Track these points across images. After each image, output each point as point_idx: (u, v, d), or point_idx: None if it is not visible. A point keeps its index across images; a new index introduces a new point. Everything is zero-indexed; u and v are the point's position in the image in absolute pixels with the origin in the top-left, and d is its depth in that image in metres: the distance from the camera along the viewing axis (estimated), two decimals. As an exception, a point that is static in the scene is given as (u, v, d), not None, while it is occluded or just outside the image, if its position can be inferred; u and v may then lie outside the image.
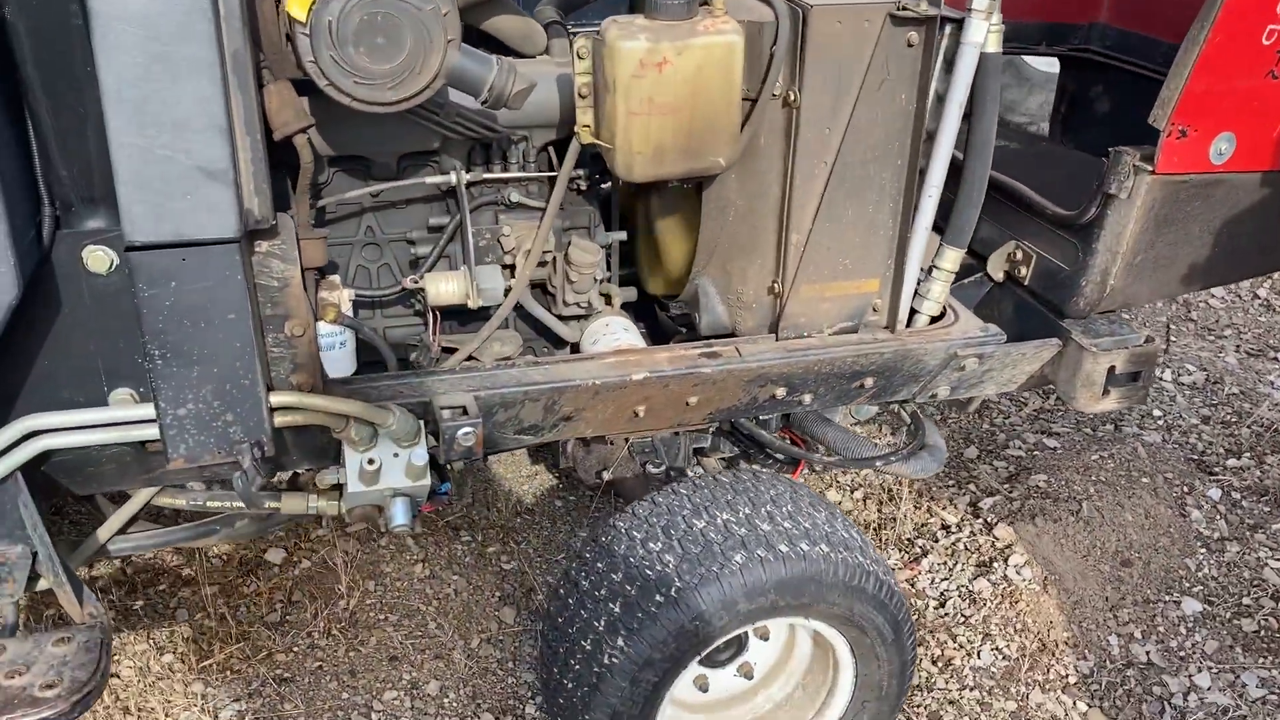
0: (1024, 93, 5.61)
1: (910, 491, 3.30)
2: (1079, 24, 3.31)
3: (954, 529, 3.21)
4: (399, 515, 2.08)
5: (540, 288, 2.45)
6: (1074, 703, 2.73)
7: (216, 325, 1.76)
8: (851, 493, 3.35)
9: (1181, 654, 2.87)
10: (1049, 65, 4.48)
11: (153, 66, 1.56)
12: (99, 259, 1.77)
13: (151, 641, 2.75)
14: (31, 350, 1.82)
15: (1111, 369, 2.42)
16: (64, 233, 1.75)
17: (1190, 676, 2.81)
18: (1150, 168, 2.22)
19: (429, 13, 1.73)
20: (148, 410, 1.88)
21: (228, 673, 2.68)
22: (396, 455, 2.05)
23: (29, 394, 1.86)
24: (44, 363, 1.84)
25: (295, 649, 2.76)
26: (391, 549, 3.09)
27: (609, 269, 2.50)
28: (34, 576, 1.99)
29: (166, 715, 2.56)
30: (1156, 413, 3.78)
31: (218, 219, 1.68)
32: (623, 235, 2.47)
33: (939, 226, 2.37)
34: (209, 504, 2.26)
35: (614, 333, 2.40)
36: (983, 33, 2.14)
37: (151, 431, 1.88)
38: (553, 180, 2.31)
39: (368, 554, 3.06)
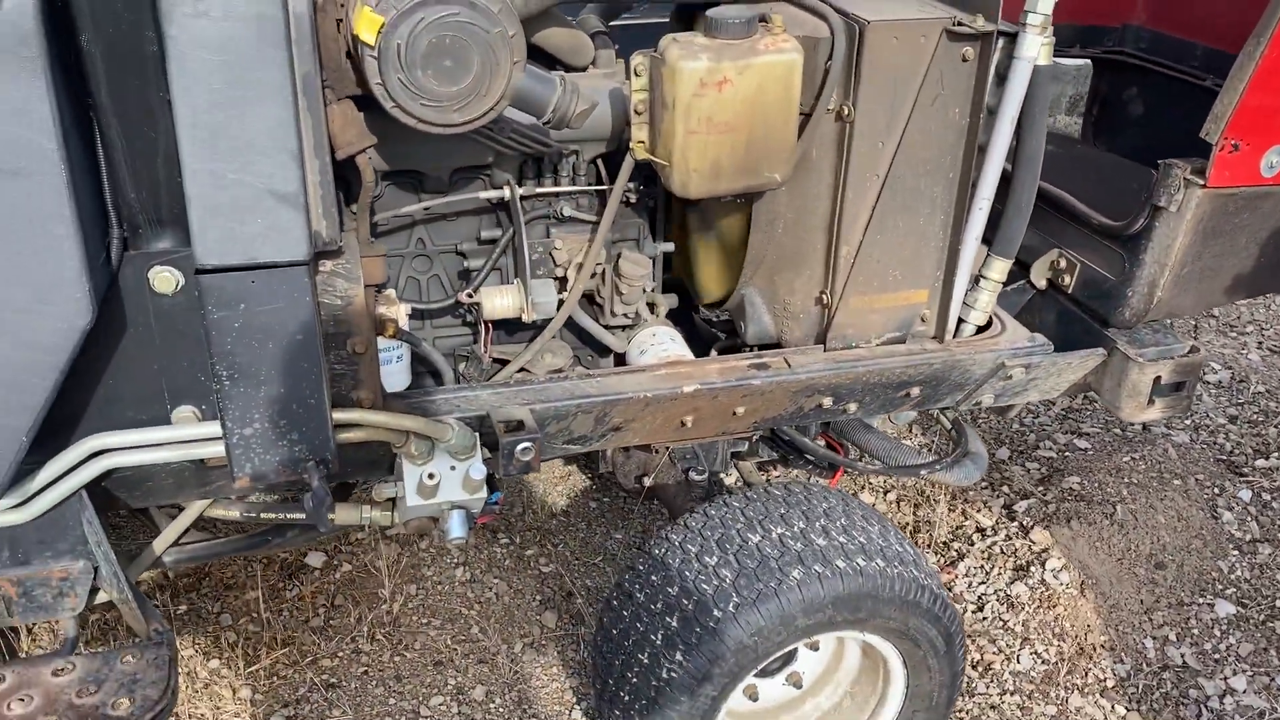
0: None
1: (945, 495, 3.31)
2: (1112, 26, 3.31)
3: (989, 532, 3.23)
4: (455, 528, 2.10)
5: (587, 298, 2.46)
6: (1112, 706, 2.75)
7: (284, 346, 1.77)
8: (885, 495, 3.37)
9: (1216, 656, 2.90)
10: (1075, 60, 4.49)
11: (227, 92, 1.57)
12: (165, 280, 1.78)
13: (197, 647, 2.78)
14: (97, 370, 1.83)
15: (1157, 379, 2.43)
16: (131, 254, 1.76)
17: (1226, 679, 2.84)
18: (1201, 181, 2.22)
19: (496, 35, 1.73)
20: (211, 428, 1.89)
21: (274, 678, 2.71)
22: (453, 468, 2.06)
23: (93, 412, 1.88)
24: (109, 382, 1.86)
25: (340, 654, 2.79)
26: (432, 552, 3.11)
27: (655, 279, 2.51)
28: (94, 590, 2.02)
29: (216, 721, 2.59)
30: (1184, 412, 3.79)
31: (288, 242, 1.69)
32: (670, 246, 2.47)
33: (986, 236, 2.38)
34: (262, 516, 2.28)
35: (661, 343, 2.41)
36: (1036, 47, 2.14)
37: (214, 449, 1.90)
38: (602, 194, 2.32)
39: (409, 557, 3.08)
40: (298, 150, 1.64)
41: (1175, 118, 3.10)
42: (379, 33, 1.69)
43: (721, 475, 2.89)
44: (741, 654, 2.00)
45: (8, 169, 1.52)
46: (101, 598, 2.03)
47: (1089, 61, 3.39)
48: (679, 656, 2.01)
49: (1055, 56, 3.44)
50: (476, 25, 1.71)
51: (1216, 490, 3.40)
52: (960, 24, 2.04)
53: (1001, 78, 2.20)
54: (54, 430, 1.81)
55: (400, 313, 2.13)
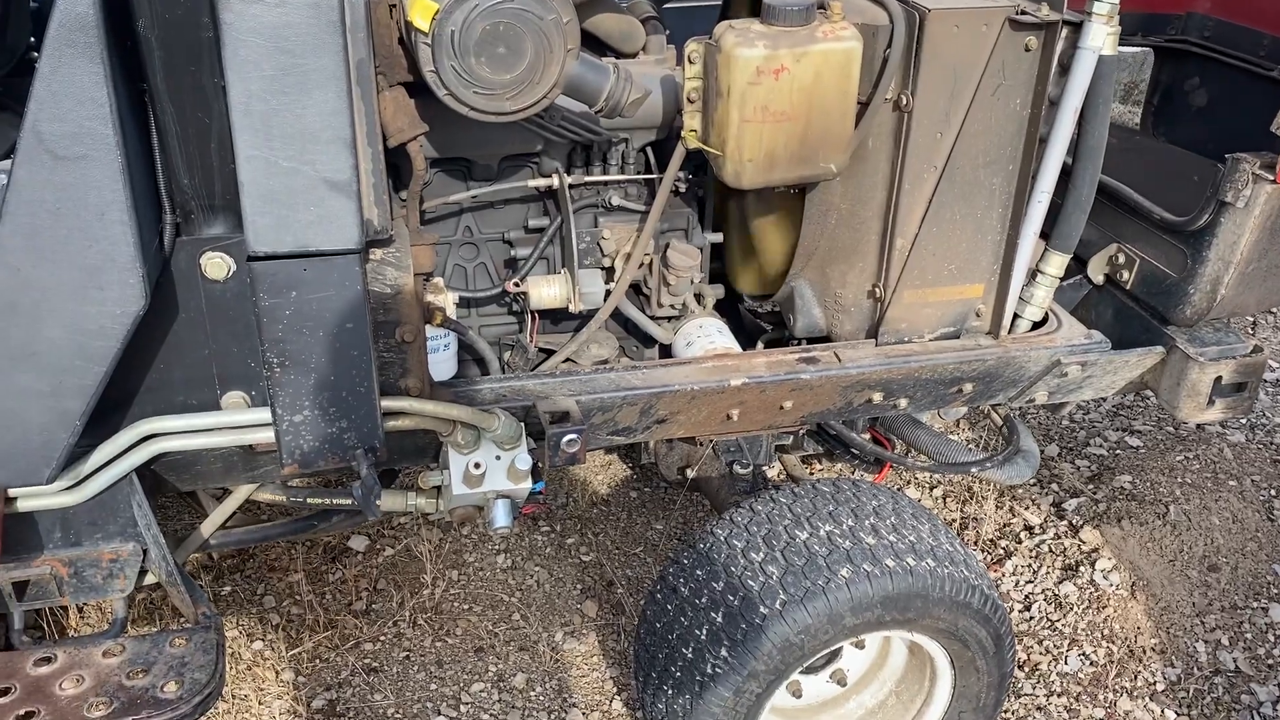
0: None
1: (992, 491, 3.26)
2: (1176, 14, 3.22)
3: (1037, 530, 3.18)
4: (500, 517, 2.09)
5: (634, 288, 2.43)
6: (1162, 710, 2.70)
7: (334, 333, 1.77)
8: (931, 490, 3.32)
9: (1270, 662, 2.83)
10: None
11: (282, 79, 1.56)
12: (217, 266, 1.78)
13: (241, 628, 2.80)
14: (148, 354, 1.84)
15: (1218, 379, 2.37)
16: (183, 240, 1.76)
17: (1279, 685, 2.77)
18: (1271, 177, 2.15)
19: (550, 22, 1.71)
20: (260, 414, 1.89)
21: (317, 661, 2.72)
22: (499, 458, 2.06)
23: (144, 397, 1.89)
24: (160, 366, 1.87)
25: (382, 638, 2.80)
26: (473, 538, 3.11)
27: (703, 270, 2.48)
28: (142, 572, 2.04)
29: (260, 703, 2.61)
30: (1240, 411, 3.70)
31: (340, 230, 1.68)
32: (719, 237, 2.44)
33: (1044, 230, 2.32)
34: (308, 501, 2.29)
35: (708, 335, 2.38)
36: (1102, 37, 2.08)
37: (264, 435, 1.90)
38: (651, 183, 2.29)
39: (450, 543, 3.09)
40: (351, 138, 1.63)
41: (1240, 109, 3.01)
42: (433, 19, 1.67)
43: (765, 468, 2.86)
44: (787, 651, 1.98)
45: (64, 154, 1.52)
46: (149, 580, 2.05)
47: (1149, 50, 3.30)
48: (723, 652, 1.99)
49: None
50: (530, 12, 1.69)
51: (1273, 492, 3.32)
52: (1024, 12, 1.99)
53: (1064, 68, 2.14)
54: (106, 414, 1.83)
55: (448, 301, 2.12)
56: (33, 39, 2.35)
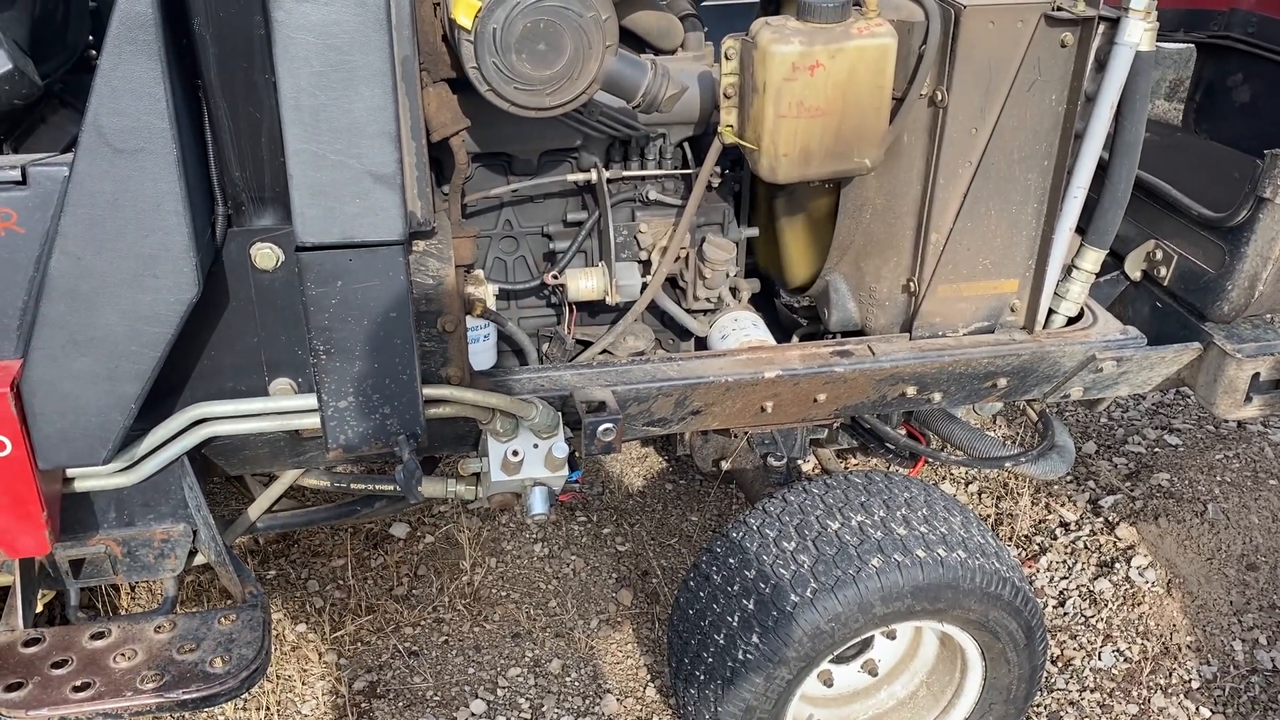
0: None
1: (1028, 487, 3.26)
2: (1219, 10, 3.19)
3: (1073, 527, 3.18)
4: (537, 504, 2.14)
5: (670, 281, 2.47)
6: (1197, 708, 2.69)
7: (379, 322, 1.82)
8: (966, 486, 3.33)
9: (1308, 663, 2.82)
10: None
11: (330, 75, 1.61)
12: (266, 256, 1.84)
13: (285, 611, 2.87)
14: (200, 341, 1.90)
15: (1255, 375, 2.36)
16: (234, 230, 1.82)
17: (1318, 686, 2.75)
18: (1311, 172, 2.15)
19: (589, 19, 1.75)
20: (307, 400, 1.95)
21: (359, 644, 2.79)
22: (536, 446, 2.10)
23: (195, 383, 1.95)
24: (211, 353, 1.93)
25: (422, 622, 2.86)
26: (511, 527, 3.16)
27: (738, 264, 2.51)
28: (192, 552, 2.11)
29: (303, 684, 2.68)
30: (1283, 410, 3.67)
31: (385, 222, 1.73)
32: (754, 232, 2.47)
33: (1080, 225, 2.33)
34: (352, 486, 2.35)
35: (743, 328, 2.41)
36: (1139, 33, 2.08)
37: (310, 420, 1.96)
38: (688, 177, 2.33)
39: (489, 531, 3.14)
40: (396, 132, 1.68)
41: (1284, 105, 2.99)
42: (476, 16, 1.72)
43: (800, 462, 2.88)
44: (817, 639, 2.01)
45: (123, 147, 1.59)
46: (199, 560, 2.12)
47: (1191, 46, 3.28)
48: (755, 639, 2.02)
49: (1157, 41, 3.36)
50: (570, 10, 1.73)
51: (1315, 492, 3.28)
52: (1060, 8, 2.00)
53: (1101, 63, 2.14)
54: (160, 399, 1.90)
55: (488, 293, 2.17)
56: (91, 37, 2.43)
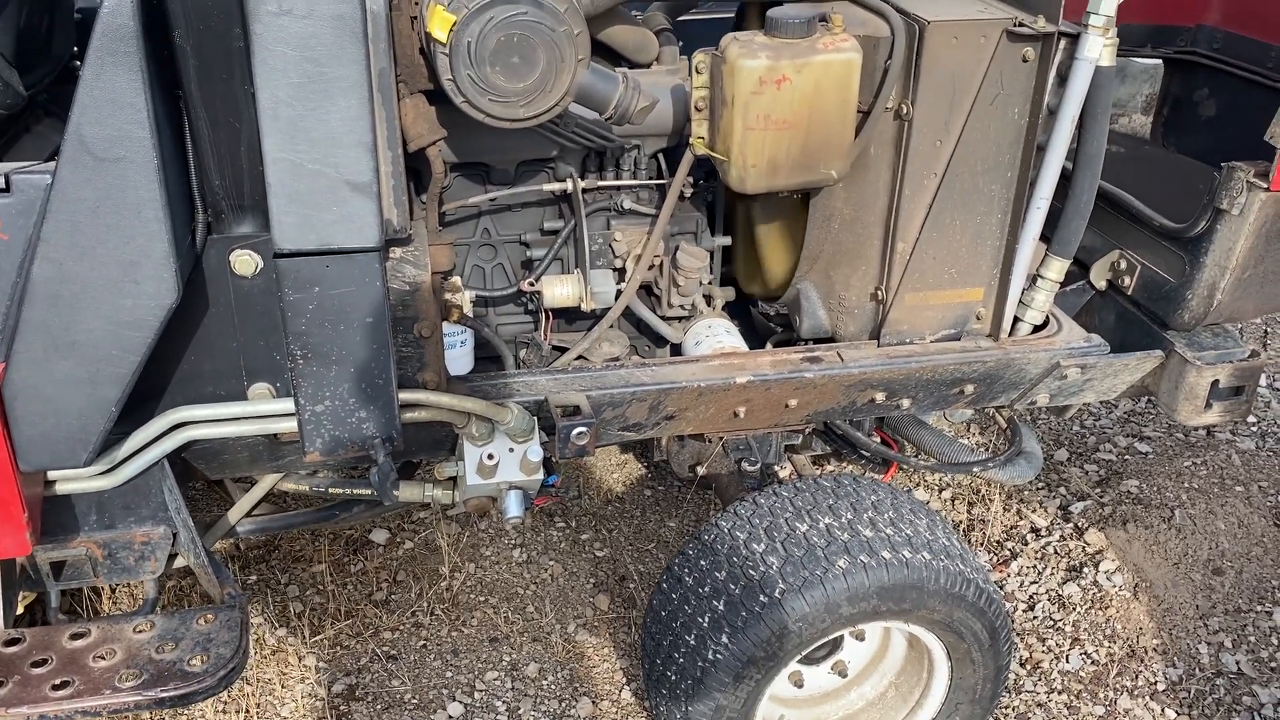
0: (1114, 81, 5.54)
1: (1000, 493, 3.32)
2: (1185, 26, 3.27)
3: (1044, 532, 3.23)
4: (513, 507, 2.18)
5: (645, 289, 2.51)
6: (1162, 710, 2.74)
7: (355, 327, 1.86)
8: (940, 492, 3.38)
9: (1273, 665, 2.87)
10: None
11: (307, 86, 1.66)
12: (245, 262, 1.88)
13: (266, 615, 2.90)
14: (179, 346, 1.94)
15: (1215, 383, 2.42)
16: (214, 237, 1.86)
17: (1281, 688, 2.81)
18: (1265, 185, 2.21)
19: (562, 33, 1.80)
20: (285, 405, 1.99)
21: (338, 648, 2.82)
22: (512, 450, 2.14)
23: (175, 387, 1.99)
24: (190, 358, 1.97)
25: (401, 627, 2.89)
26: (490, 532, 3.20)
27: (712, 271, 2.56)
28: (172, 555, 2.14)
29: (283, 687, 2.71)
30: (1251, 419, 3.73)
31: (361, 229, 1.78)
32: (727, 240, 2.52)
33: (1045, 235, 2.38)
34: (330, 490, 2.38)
35: (716, 335, 2.46)
36: (1099, 48, 2.14)
37: (288, 424, 2.00)
38: (662, 187, 2.38)
39: (468, 536, 3.18)
40: (372, 143, 1.73)
41: (1247, 120, 3.05)
42: (451, 30, 1.77)
43: (776, 467, 2.93)
44: (785, 639, 2.05)
45: (105, 156, 1.63)
46: (179, 563, 2.15)
47: (1160, 62, 3.35)
48: (724, 639, 2.06)
49: (1127, 56, 3.43)
50: (543, 24, 1.78)
51: (1280, 498, 3.35)
52: (1021, 25, 2.06)
53: (1063, 78, 2.20)
54: (140, 402, 1.93)
55: (465, 299, 2.21)
56: (76, 48, 2.47)
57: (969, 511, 3.31)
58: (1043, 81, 2.12)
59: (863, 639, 2.40)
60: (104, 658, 1.90)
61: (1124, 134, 3.50)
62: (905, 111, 2.11)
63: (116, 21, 1.56)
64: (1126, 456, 3.55)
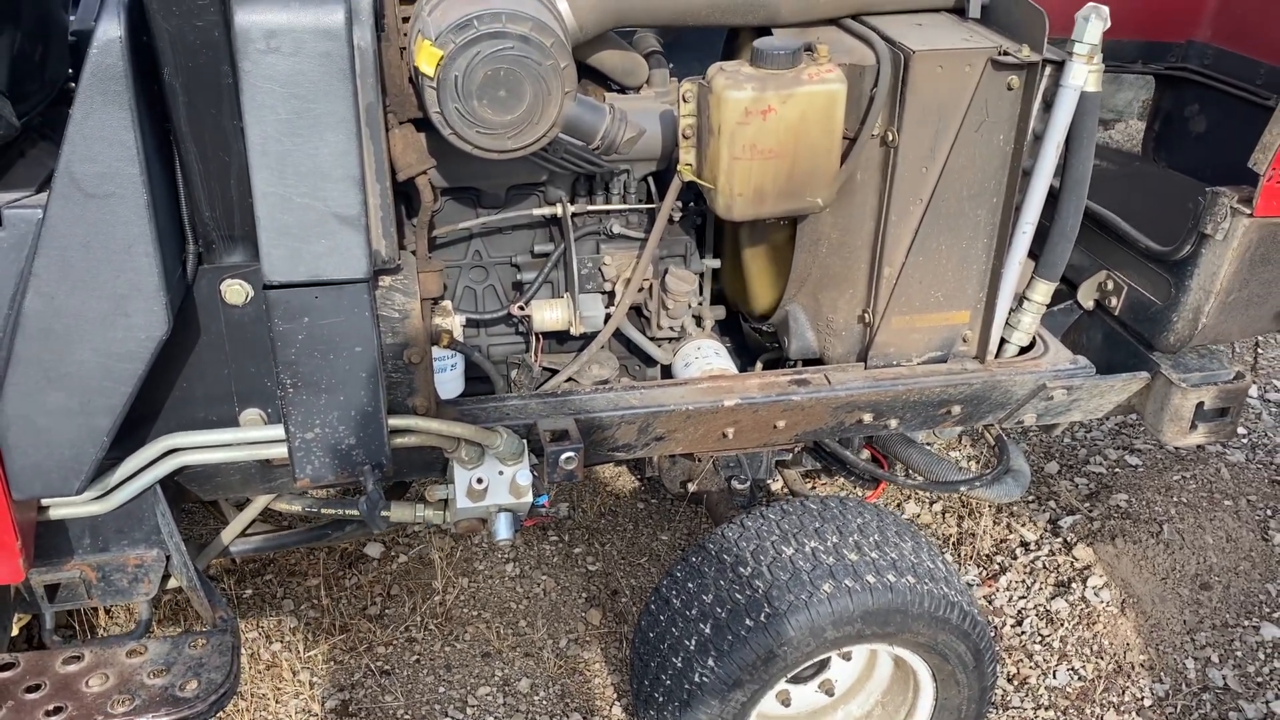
0: (1111, 88, 5.55)
1: (990, 507, 3.34)
2: (1176, 43, 3.28)
3: (1033, 547, 3.25)
4: (502, 530, 2.20)
5: (635, 310, 2.53)
6: (1149, 725, 2.77)
7: (344, 356, 1.88)
8: (931, 505, 3.40)
9: (1259, 680, 2.89)
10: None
11: (295, 122, 1.68)
12: (236, 291, 1.90)
13: (260, 630, 2.93)
14: (171, 374, 1.96)
15: (1200, 404, 2.44)
16: (205, 268, 1.88)
17: (1268, 703, 2.83)
18: (1248, 210, 2.23)
19: (548, 67, 1.81)
20: (276, 431, 2.01)
21: (332, 663, 2.85)
22: (501, 473, 2.16)
23: (168, 412, 2.01)
24: (181, 385, 1.99)
25: (394, 642, 2.92)
26: (483, 547, 3.22)
27: (701, 294, 2.58)
28: (165, 577, 2.16)
29: (277, 702, 2.73)
30: (1241, 430, 3.75)
31: (349, 261, 1.80)
32: (716, 263, 2.54)
33: (1034, 253, 2.40)
34: (323, 511, 2.41)
35: (705, 356, 2.48)
36: (1083, 76, 2.16)
37: (279, 450, 2.02)
38: (651, 211, 2.40)
39: (461, 550, 3.20)
40: (360, 176, 1.75)
41: (1237, 136, 3.06)
42: (438, 65, 1.79)
43: (768, 482, 2.94)
44: (770, 662, 2.07)
45: (95, 192, 1.65)
46: (172, 584, 2.17)
47: (1150, 77, 3.37)
48: (710, 662, 2.09)
49: (1118, 71, 3.45)
50: (530, 58, 1.80)
51: (1269, 512, 3.37)
52: (1005, 54, 2.07)
53: (1049, 103, 2.22)
54: (132, 428, 1.95)
55: (455, 324, 2.23)
56: (70, 70, 2.48)
57: (959, 525, 3.34)
58: (1027, 109, 2.13)
59: (849, 658, 2.42)
60: (97, 682, 1.92)
61: (1115, 150, 3.52)
62: (891, 138, 2.13)
63: (106, 61, 1.58)
64: (1116, 469, 3.57)
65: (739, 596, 2.12)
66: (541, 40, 1.79)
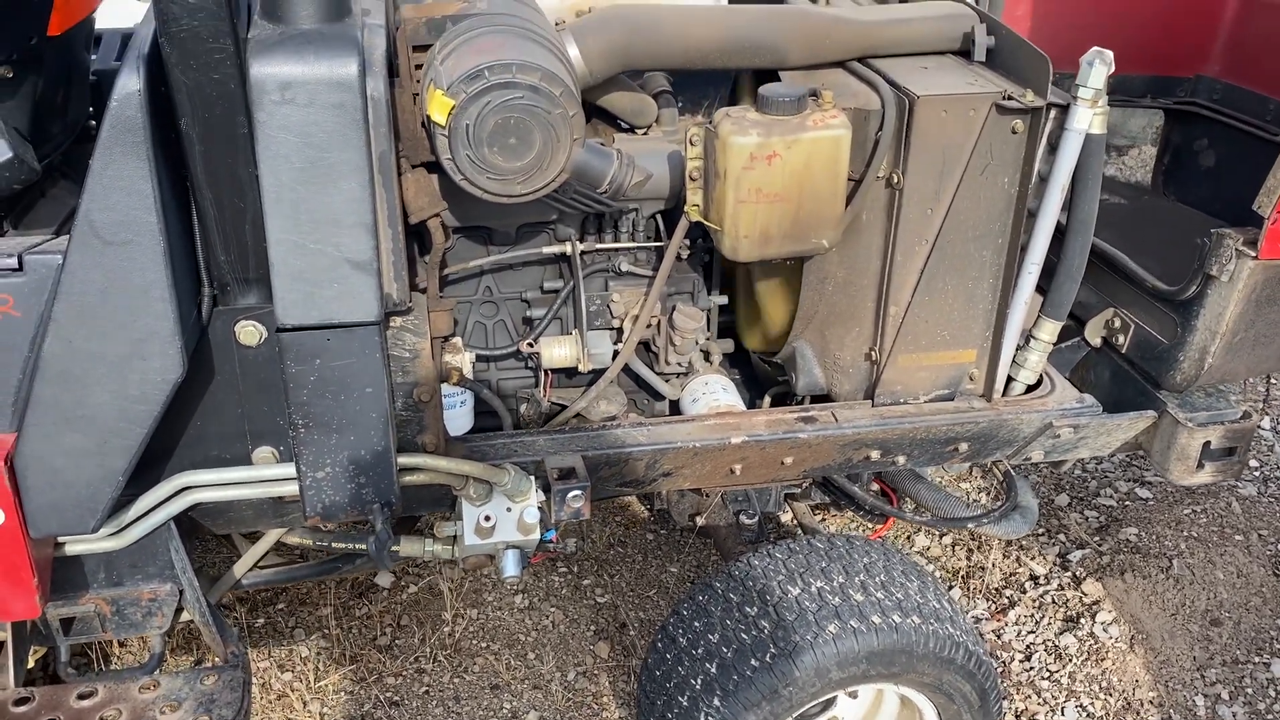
0: (1124, 115, 5.56)
1: (999, 541, 3.34)
2: (1185, 78, 3.30)
3: (1042, 581, 3.25)
4: (510, 567, 2.22)
5: (644, 345, 2.56)
6: (1158, 764, 2.76)
7: (355, 397, 1.91)
8: (940, 539, 3.40)
9: (1270, 717, 2.88)
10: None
11: (309, 171, 1.71)
12: (250, 333, 1.93)
13: (272, 659, 2.95)
14: (186, 413, 1.99)
15: (1206, 444, 2.44)
16: (220, 310, 1.92)
17: (1279, 741, 2.82)
18: (1253, 253, 2.24)
19: (557, 115, 1.85)
20: (287, 469, 2.04)
21: (342, 694, 2.87)
22: (509, 510, 2.19)
23: (181, 451, 2.04)
24: (196, 423, 2.02)
25: (404, 673, 2.93)
26: (493, 578, 3.24)
27: (709, 329, 2.60)
28: (178, 611, 2.19)
29: (287, 733, 2.76)
30: (1254, 463, 3.74)
31: (361, 305, 1.83)
32: (724, 300, 2.56)
33: (1041, 288, 2.41)
34: (334, 545, 2.43)
35: (713, 392, 2.50)
36: (1088, 119, 2.18)
37: (291, 488, 2.05)
38: (660, 249, 2.42)
39: (471, 581, 3.22)
40: (372, 222, 1.78)
41: (1246, 171, 3.07)
42: (450, 114, 1.82)
43: (777, 514, 2.95)
44: (775, 703, 2.08)
45: (113, 240, 1.69)
46: (185, 618, 2.20)
47: (1159, 111, 3.38)
48: (716, 702, 2.10)
49: (1126, 106, 3.46)
50: (539, 107, 1.83)
51: (1281, 546, 3.36)
52: (1010, 98, 2.10)
53: (1054, 146, 2.24)
54: (146, 466, 1.98)
55: (465, 361, 2.26)
56: (91, 108, 2.54)
57: (968, 558, 3.34)
58: (1032, 152, 2.16)
59: (856, 696, 2.43)
60: (110, 717, 1.95)
61: (1125, 183, 3.53)
62: (896, 180, 2.16)
63: (125, 113, 1.62)
64: (1127, 502, 3.56)
65: (745, 636, 2.13)
66: (551, 89, 1.82)
